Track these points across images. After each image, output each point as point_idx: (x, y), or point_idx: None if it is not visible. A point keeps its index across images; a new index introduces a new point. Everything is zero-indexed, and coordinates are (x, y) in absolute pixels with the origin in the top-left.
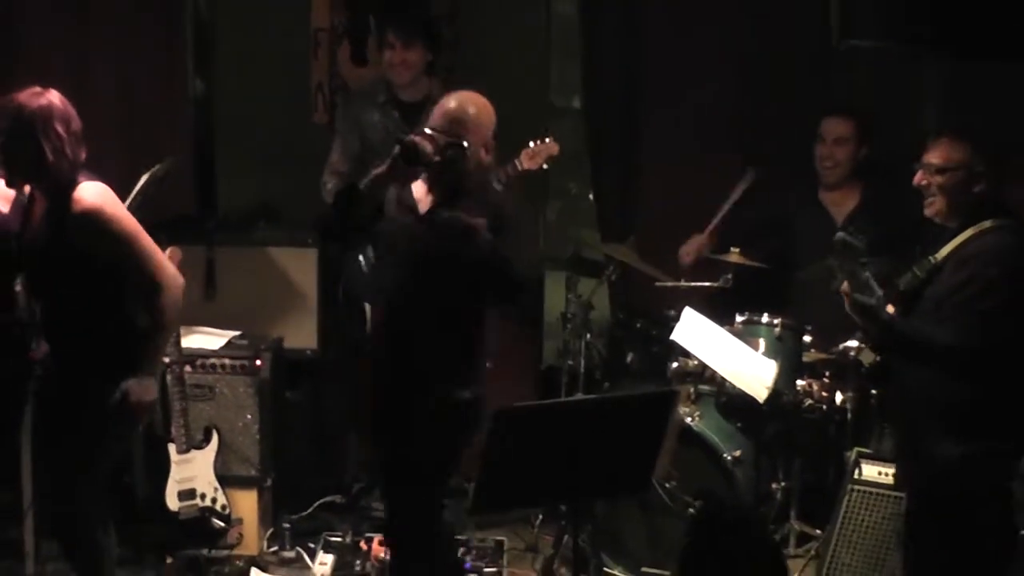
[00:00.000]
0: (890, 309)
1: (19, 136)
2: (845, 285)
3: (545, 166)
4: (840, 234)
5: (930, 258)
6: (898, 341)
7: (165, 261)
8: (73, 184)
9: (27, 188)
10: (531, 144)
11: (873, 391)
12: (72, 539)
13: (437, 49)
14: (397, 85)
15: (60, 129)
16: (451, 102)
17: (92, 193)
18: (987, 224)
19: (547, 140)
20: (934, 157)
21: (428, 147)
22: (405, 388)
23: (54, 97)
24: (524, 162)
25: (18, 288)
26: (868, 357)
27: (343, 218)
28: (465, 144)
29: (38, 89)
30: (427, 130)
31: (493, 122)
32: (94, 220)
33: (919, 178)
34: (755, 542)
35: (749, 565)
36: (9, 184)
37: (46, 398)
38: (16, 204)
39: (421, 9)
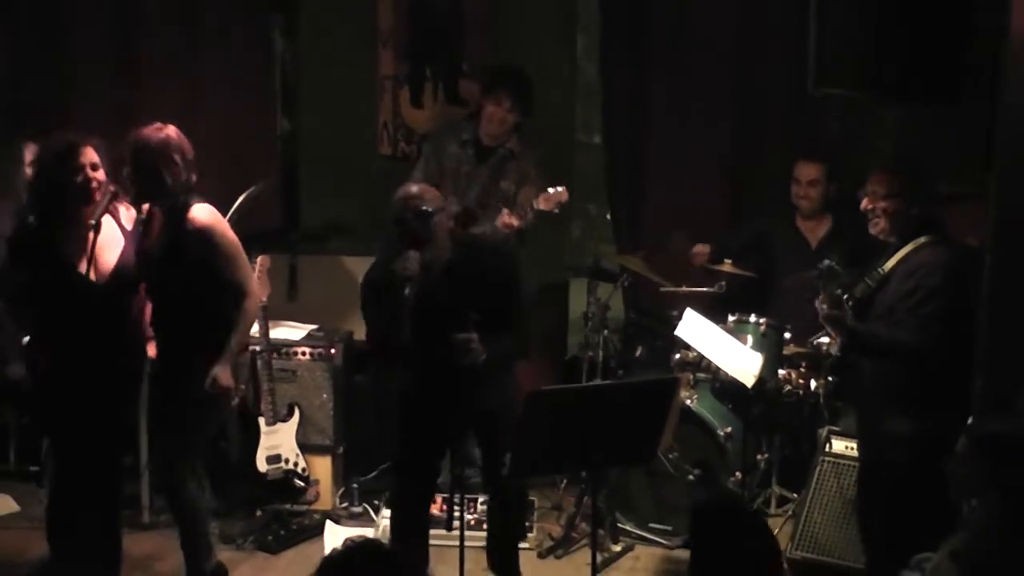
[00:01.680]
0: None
1: (143, 165)
2: (823, 301)
3: (556, 210)
4: (827, 262)
5: (878, 269)
6: (861, 343)
7: (253, 276)
8: (188, 205)
9: (145, 208)
10: (549, 190)
11: (830, 378)
12: (172, 494)
13: (527, 115)
14: (486, 133)
15: (176, 158)
16: (411, 187)
17: (205, 213)
18: (923, 239)
19: (559, 189)
20: (877, 187)
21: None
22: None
23: (171, 131)
24: (541, 203)
25: None
26: (834, 349)
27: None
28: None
29: (158, 125)
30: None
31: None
32: (207, 236)
33: (865, 203)
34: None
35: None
36: (135, 204)
37: (160, 384)
38: (136, 223)
39: (528, 81)
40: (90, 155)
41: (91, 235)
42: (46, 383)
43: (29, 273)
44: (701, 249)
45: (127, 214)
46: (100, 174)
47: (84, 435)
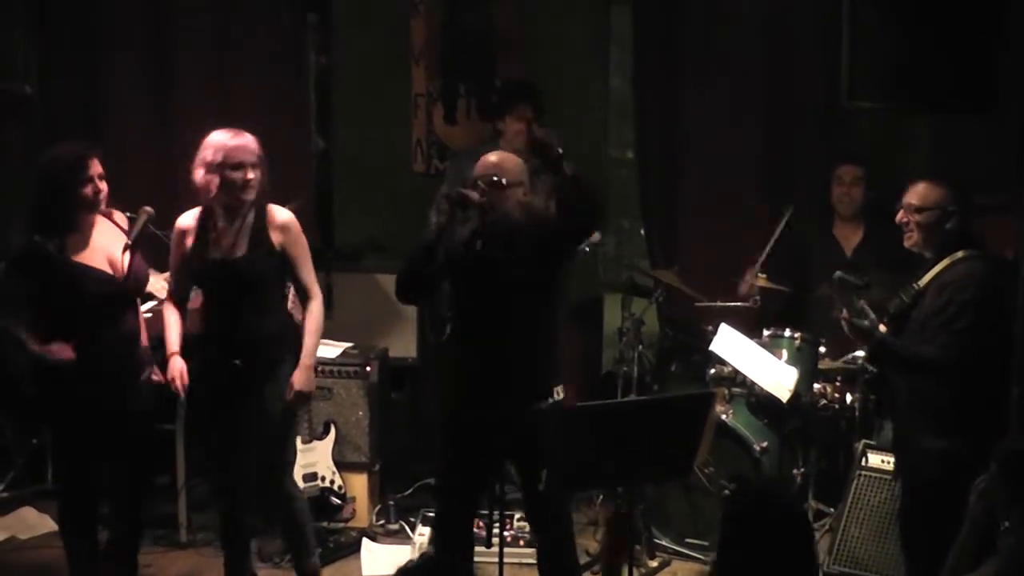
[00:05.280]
0: (883, 328)
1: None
2: (844, 312)
3: (587, 248)
4: (838, 273)
5: (914, 285)
6: (889, 356)
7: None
8: (267, 204)
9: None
10: None
11: (869, 396)
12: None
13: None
14: (513, 151)
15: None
16: (491, 157)
17: (285, 211)
18: (960, 254)
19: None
20: (913, 198)
21: (473, 194)
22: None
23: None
24: None
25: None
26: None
27: (419, 271)
28: (504, 181)
29: (238, 131)
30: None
31: (524, 170)
32: (290, 229)
33: (900, 216)
34: (787, 513)
35: (781, 531)
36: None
37: (239, 392)
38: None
39: (537, 87)
40: (97, 166)
41: (127, 254)
42: (51, 383)
43: (37, 286)
44: (746, 280)
45: (119, 219)
46: (104, 185)
47: (87, 436)
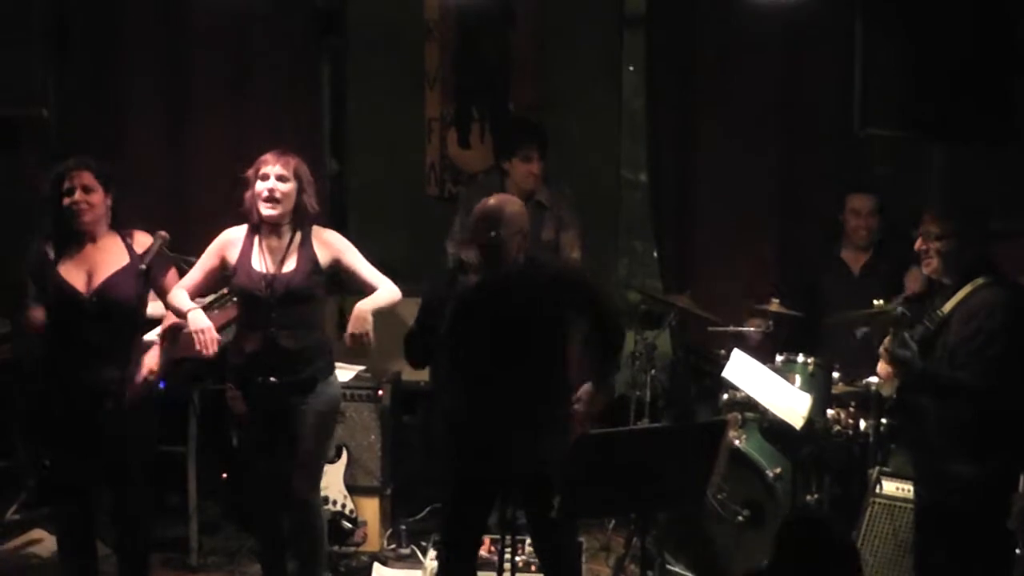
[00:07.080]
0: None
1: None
2: (887, 342)
3: None
4: (900, 308)
5: (937, 311)
6: (928, 385)
7: None
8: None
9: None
10: None
11: (886, 420)
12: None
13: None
14: (521, 190)
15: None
16: (490, 201)
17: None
18: (981, 280)
19: None
20: (932, 226)
21: (470, 253)
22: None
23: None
24: None
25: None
26: (887, 389)
27: (423, 347)
28: (494, 233)
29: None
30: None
31: (524, 216)
32: (339, 237)
33: (919, 244)
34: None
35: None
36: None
37: (274, 411)
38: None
39: (542, 126)
40: (83, 179)
41: (139, 269)
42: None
43: (36, 289)
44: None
45: (141, 240)
46: (93, 197)
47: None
